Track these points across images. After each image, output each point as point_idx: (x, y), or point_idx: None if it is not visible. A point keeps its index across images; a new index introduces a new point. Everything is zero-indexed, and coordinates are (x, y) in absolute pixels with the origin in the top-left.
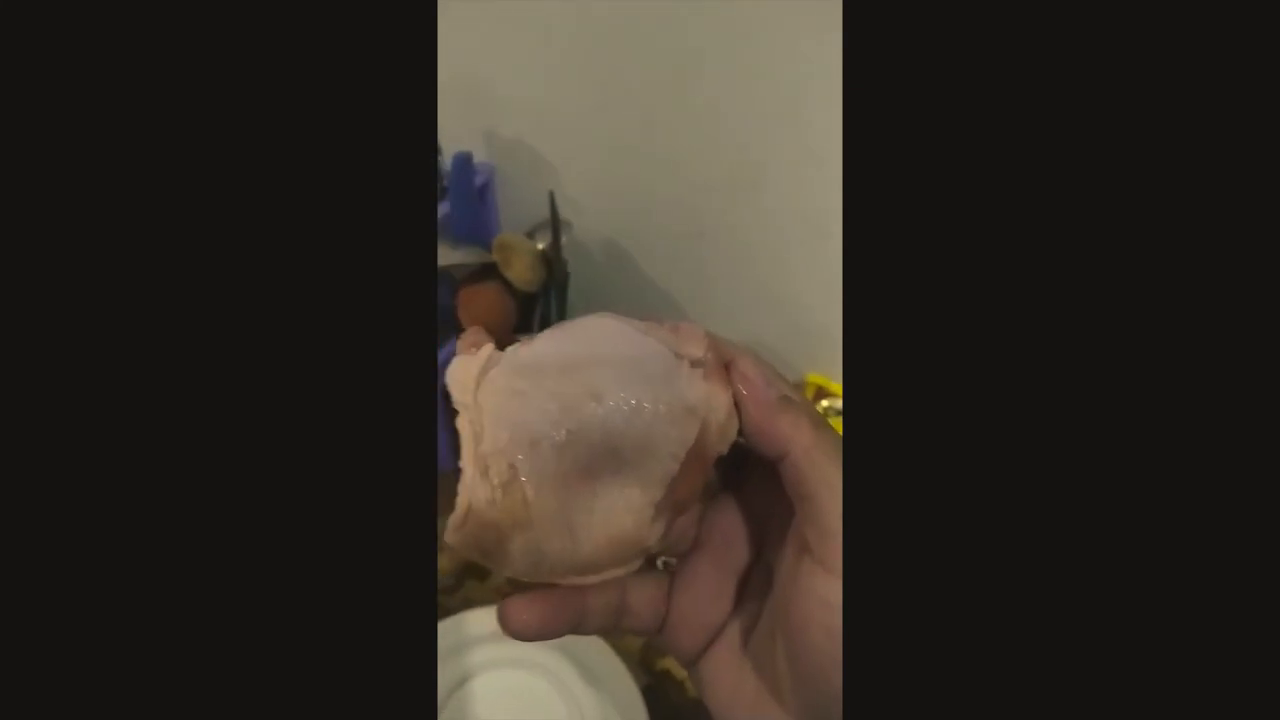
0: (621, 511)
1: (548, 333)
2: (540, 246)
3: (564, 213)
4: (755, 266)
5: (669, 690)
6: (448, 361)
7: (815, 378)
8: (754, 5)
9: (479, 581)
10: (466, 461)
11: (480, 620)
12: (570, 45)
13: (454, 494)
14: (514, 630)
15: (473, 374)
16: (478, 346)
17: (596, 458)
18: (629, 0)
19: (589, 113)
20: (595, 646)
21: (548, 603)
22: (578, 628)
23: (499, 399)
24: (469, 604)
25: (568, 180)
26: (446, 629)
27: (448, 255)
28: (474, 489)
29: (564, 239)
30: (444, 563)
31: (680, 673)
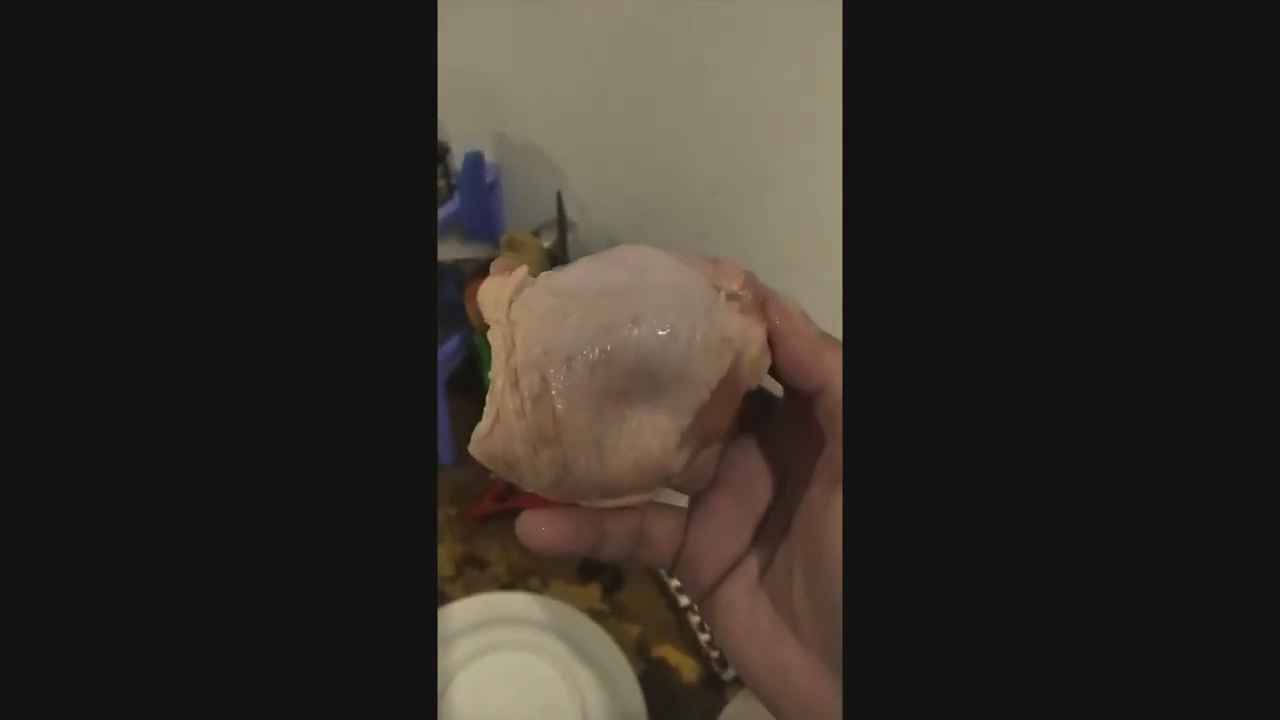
0: (649, 435)
1: (586, 260)
2: (546, 245)
3: (569, 214)
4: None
5: (665, 676)
6: (454, 354)
7: None
8: (762, 10)
9: (479, 570)
10: (497, 373)
11: (483, 605)
12: (579, 49)
13: (453, 486)
14: (533, 543)
15: (507, 292)
16: (510, 271)
17: (630, 380)
18: (638, 5)
19: (596, 116)
20: (593, 632)
21: (569, 520)
22: (595, 550)
23: (535, 316)
24: (470, 591)
25: (573, 182)
26: (450, 614)
27: (458, 250)
28: (503, 399)
29: (569, 238)
30: (445, 553)
31: (676, 659)
